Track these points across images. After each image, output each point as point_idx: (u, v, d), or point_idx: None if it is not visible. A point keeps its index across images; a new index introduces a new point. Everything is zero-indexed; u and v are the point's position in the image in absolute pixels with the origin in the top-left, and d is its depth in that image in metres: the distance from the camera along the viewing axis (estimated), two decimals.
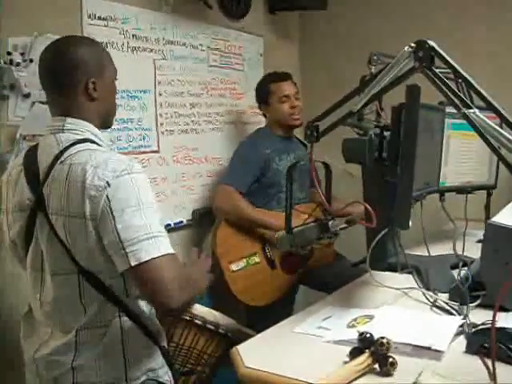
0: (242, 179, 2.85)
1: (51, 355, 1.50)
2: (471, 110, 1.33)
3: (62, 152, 1.46)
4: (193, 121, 3.16)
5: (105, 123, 1.62)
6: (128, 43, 2.74)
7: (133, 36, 2.76)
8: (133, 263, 1.35)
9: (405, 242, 1.99)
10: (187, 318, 1.70)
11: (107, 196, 1.37)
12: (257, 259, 2.80)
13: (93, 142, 1.51)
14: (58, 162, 1.45)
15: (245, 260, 2.77)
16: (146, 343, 1.53)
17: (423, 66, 1.39)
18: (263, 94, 3.07)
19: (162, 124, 2.95)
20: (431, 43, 1.39)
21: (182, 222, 3.09)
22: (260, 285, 2.79)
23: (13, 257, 1.63)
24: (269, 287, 2.81)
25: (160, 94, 2.94)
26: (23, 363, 1.61)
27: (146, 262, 1.36)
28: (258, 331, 1.64)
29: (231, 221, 2.82)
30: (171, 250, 1.41)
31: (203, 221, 3.20)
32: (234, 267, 2.73)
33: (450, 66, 1.38)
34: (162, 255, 1.38)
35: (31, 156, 1.53)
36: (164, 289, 1.37)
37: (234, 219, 2.80)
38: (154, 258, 1.36)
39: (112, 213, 1.37)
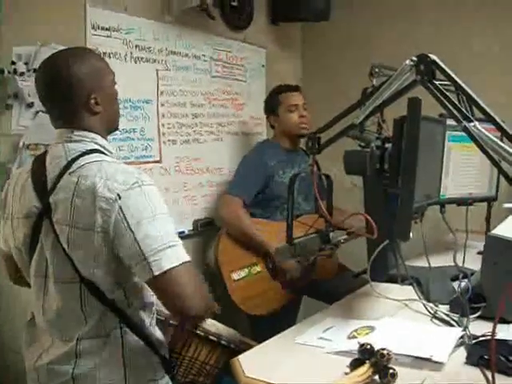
0: (246, 190, 2.86)
1: (52, 364, 1.50)
2: (471, 123, 1.34)
3: (70, 162, 1.46)
4: (195, 131, 3.17)
5: (112, 128, 1.62)
6: (131, 53, 2.76)
7: (136, 46, 2.78)
8: (156, 273, 1.37)
9: (405, 253, 1.99)
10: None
11: (120, 208, 1.38)
12: (258, 269, 2.79)
13: (100, 152, 1.51)
14: (67, 172, 1.45)
15: (246, 269, 2.76)
16: (147, 353, 1.53)
17: (424, 80, 1.40)
18: (272, 104, 3.08)
19: (164, 134, 2.96)
20: (432, 57, 1.40)
21: (183, 232, 3.08)
22: (261, 294, 2.77)
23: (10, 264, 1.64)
24: (270, 297, 2.79)
25: (162, 105, 2.95)
26: (25, 371, 1.61)
27: (169, 270, 1.38)
28: (261, 341, 1.64)
29: (231, 231, 2.82)
30: (188, 258, 1.44)
31: (205, 231, 3.20)
32: (235, 276, 2.72)
33: (451, 80, 1.39)
34: (182, 263, 1.40)
35: (39, 164, 1.53)
36: (186, 296, 1.40)
37: (233, 231, 2.81)
38: (175, 267, 1.39)
39: (129, 225, 1.38)
